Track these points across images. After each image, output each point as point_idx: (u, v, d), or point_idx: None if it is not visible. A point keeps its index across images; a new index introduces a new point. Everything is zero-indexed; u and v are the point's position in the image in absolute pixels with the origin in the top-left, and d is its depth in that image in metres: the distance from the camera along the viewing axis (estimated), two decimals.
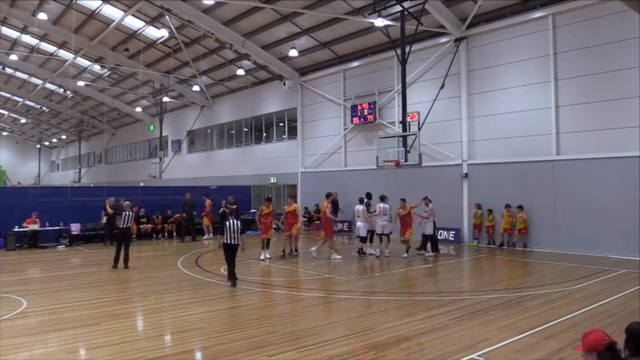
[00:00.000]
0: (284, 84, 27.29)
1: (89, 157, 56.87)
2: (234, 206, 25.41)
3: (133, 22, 28.18)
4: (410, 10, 17.86)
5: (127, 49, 30.55)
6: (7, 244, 19.12)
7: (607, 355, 3.48)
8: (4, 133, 65.94)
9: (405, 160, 17.70)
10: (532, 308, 9.12)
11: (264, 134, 31.54)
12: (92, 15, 27.78)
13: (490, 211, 18.43)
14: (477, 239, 19.08)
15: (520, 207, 17.52)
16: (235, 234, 11.53)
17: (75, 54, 33.72)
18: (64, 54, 34.66)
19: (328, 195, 16.20)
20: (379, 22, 18.39)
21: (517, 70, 18.14)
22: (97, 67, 35.37)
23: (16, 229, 19.62)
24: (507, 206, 17.90)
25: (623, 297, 9.90)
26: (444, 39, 20.22)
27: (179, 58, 30.72)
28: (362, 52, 23.90)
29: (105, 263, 15.00)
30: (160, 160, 37.06)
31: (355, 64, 24.37)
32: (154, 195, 24.41)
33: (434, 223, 16.39)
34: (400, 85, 19.42)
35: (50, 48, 34.39)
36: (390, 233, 16.37)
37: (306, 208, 26.44)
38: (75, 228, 21.23)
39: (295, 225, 16.22)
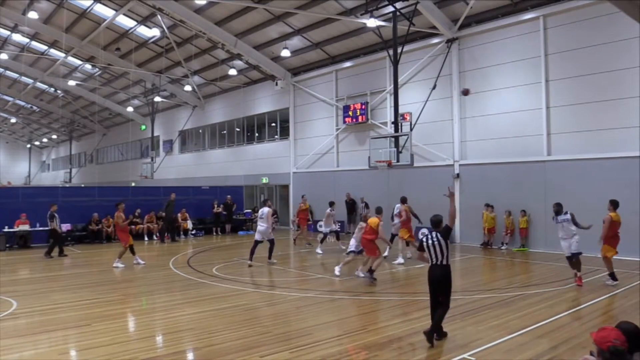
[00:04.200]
0: (276, 84, 27.25)
1: (80, 157, 56.50)
2: (230, 206, 25.47)
3: (124, 22, 28.05)
4: (402, 11, 17.92)
5: (118, 49, 30.42)
6: None
7: (606, 356, 3.52)
8: None
9: (397, 161, 17.76)
10: (523, 308, 9.17)
11: (256, 134, 31.49)
12: (83, 14, 27.62)
13: (509, 213, 17.94)
14: (506, 243, 18.00)
15: (523, 212, 17.46)
16: None
17: (66, 53, 33.50)
18: (54, 53, 34.42)
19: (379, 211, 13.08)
20: (371, 22, 18.43)
21: (509, 71, 18.24)
22: (88, 67, 35.14)
23: (6, 229, 19.49)
24: (487, 205, 18.04)
25: (613, 297, 9.98)
26: (435, 40, 20.28)
27: (170, 58, 30.61)
28: (354, 53, 23.94)
29: (96, 264, 14.93)
30: (152, 160, 36.92)
31: (348, 64, 24.39)
32: (146, 196, 24.28)
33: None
34: (392, 85, 19.49)
35: (41, 47, 34.14)
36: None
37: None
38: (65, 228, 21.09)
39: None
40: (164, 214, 22.39)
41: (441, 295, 7.25)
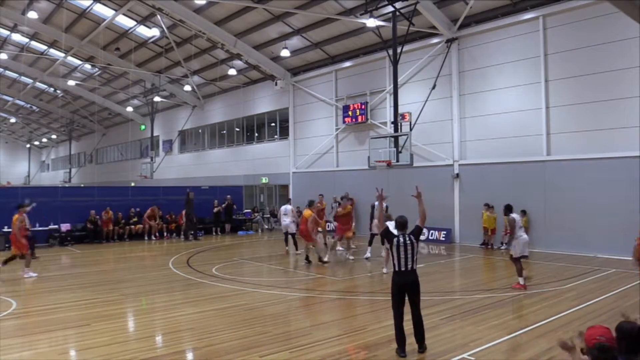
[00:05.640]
0: (276, 84, 27.25)
1: (80, 157, 56.48)
2: (230, 206, 25.45)
3: (124, 21, 28.03)
4: (401, 10, 17.91)
5: (118, 49, 30.41)
6: None
7: (594, 353, 3.54)
8: None
9: (397, 161, 17.76)
10: (522, 308, 9.18)
11: (256, 134, 31.50)
12: (82, 14, 27.60)
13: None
14: (506, 243, 17.42)
15: (523, 212, 17.43)
16: None
17: (65, 53, 33.48)
18: (54, 53, 34.40)
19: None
20: (371, 22, 18.42)
21: (508, 71, 18.24)
22: (87, 67, 35.12)
23: (6, 229, 19.45)
24: (487, 205, 18.02)
25: (613, 297, 9.98)
26: (435, 40, 20.28)
27: (170, 58, 30.60)
28: (353, 53, 23.93)
29: (96, 263, 14.94)
30: (152, 160, 36.90)
31: (347, 64, 24.39)
32: (145, 196, 24.24)
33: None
34: (391, 85, 19.49)
35: (41, 47, 34.12)
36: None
37: (297, 208, 26.40)
38: (65, 228, 21.12)
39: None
40: (194, 219, 22.64)
41: (413, 304, 6.76)
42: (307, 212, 14.91)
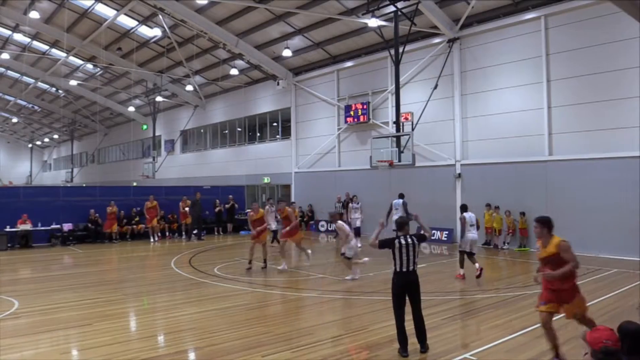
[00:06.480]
0: (278, 84, 27.25)
1: (81, 156, 56.54)
2: (232, 206, 25.48)
3: (126, 21, 28.04)
4: (403, 10, 17.90)
5: (119, 48, 30.44)
6: None
7: (599, 357, 3.53)
8: None
9: (399, 161, 17.74)
10: (523, 308, 9.16)
11: (258, 134, 31.50)
12: (84, 14, 27.62)
13: (509, 212, 17.85)
14: (507, 243, 18.00)
15: (522, 213, 17.46)
16: None
17: (67, 53, 33.53)
18: (56, 52, 34.44)
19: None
20: (373, 22, 18.43)
21: (510, 71, 18.22)
22: (89, 66, 35.15)
23: (8, 229, 19.53)
24: (490, 206, 18.00)
25: (614, 296, 9.97)
26: (437, 40, 20.27)
27: (172, 57, 30.60)
28: (355, 52, 23.93)
29: (98, 263, 14.95)
30: (153, 160, 36.93)
31: (349, 64, 24.38)
32: (147, 195, 24.26)
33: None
34: (393, 85, 19.49)
35: (42, 47, 34.15)
36: None
37: (300, 208, 26.43)
38: (67, 228, 21.16)
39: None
40: (200, 220, 23.07)
41: (414, 304, 6.77)
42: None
